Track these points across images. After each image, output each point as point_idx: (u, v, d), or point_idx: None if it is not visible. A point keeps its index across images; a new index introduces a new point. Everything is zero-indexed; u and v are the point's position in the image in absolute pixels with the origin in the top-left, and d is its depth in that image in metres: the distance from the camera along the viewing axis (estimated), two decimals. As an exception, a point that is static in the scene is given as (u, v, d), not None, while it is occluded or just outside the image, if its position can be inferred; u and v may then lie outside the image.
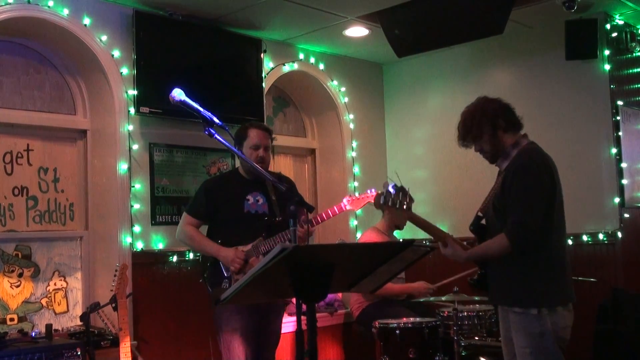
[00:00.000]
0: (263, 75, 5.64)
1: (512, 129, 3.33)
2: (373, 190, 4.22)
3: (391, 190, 3.16)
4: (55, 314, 4.79)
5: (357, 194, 4.27)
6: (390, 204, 3.17)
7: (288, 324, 5.58)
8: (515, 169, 3.21)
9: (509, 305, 3.23)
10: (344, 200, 4.21)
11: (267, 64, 5.76)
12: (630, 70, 5.79)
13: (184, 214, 4.22)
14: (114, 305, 4.24)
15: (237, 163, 5.44)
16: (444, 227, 6.19)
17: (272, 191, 4.16)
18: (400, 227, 5.45)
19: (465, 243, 3.38)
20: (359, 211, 6.24)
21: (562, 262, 3.24)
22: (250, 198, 4.13)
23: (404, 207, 3.20)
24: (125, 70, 4.87)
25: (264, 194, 4.16)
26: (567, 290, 3.22)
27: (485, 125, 3.31)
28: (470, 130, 3.35)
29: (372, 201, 4.14)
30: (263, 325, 4.12)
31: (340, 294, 6.05)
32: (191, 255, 5.06)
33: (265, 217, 4.10)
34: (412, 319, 4.76)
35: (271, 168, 6.11)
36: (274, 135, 4.32)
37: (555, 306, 3.15)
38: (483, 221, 3.38)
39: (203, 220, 4.18)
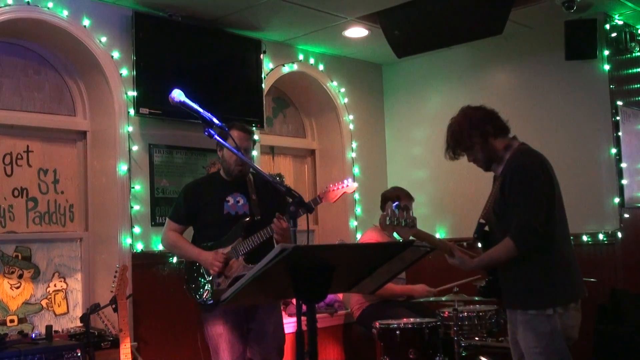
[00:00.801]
0: (263, 76, 5.64)
1: (502, 134, 3.34)
2: (349, 180, 4.11)
3: (395, 210, 3.19)
4: (55, 315, 4.78)
5: (331, 186, 4.09)
6: (396, 223, 3.19)
7: (288, 324, 5.58)
8: (512, 171, 3.21)
9: (525, 308, 3.21)
10: (318, 194, 4.07)
11: (267, 64, 5.76)
12: (630, 70, 5.79)
13: (167, 220, 4.17)
14: (114, 306, 4.24)
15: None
16: (443, 228, 6.25)
17: (253, 191, 4.09)
18: None
19: (464, 244, 3.38)
20: (358, 212, 6.31)
21: (569, 257, 3.24)
22: (230, 199, 4.05)
23: (410, 225, 3.23)
24: (124, 72, 4.88)
25: (244, 194, 4.07)
26: (578, 285, 3.23)
27: (475, 135, 3.31)
28: (461, 141, 3.35)
29: (348, 192, 4.13)
30: (252, 326, 4.01)
31: (340, 295, 6.05)
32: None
33: (245, 217, 4.02)
34: (412, 320, 4.75)
35: (270, 169, 6.14)
36: (255, 136, 4.30)
37: (569, 303, 3.15)
38: (486, 228, 3.38)
39: (184, 224, 4.13)
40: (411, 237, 3.21)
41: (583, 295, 3.23)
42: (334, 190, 4.05)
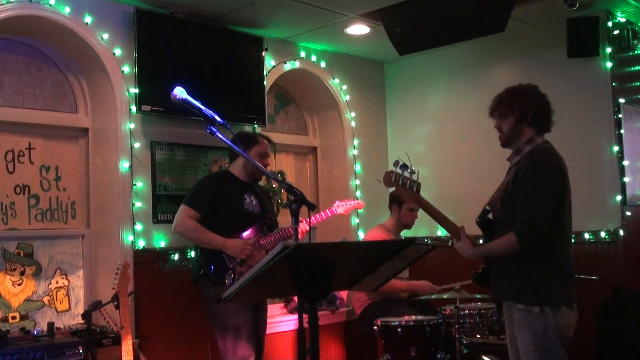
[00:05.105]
0: (264, 73, 5.64)
1: (536, 126, 3.33)
2: (358, 201, 4.83)
3: (400, 170, 3.15)
4: (57, 312, 4.79)
5: (346, 201, 4.70)
6: (400, 183, 3.16)
7: (289, 322, 5.60)
8: (528, 166, 3.21)
9: (513, 301, 3.23)
10: (335, 204, 4.59)
11: (269, 62, 5.76)
12: (632, 68, 5.78)
13: (184, 207, 4.28)
14: (115, 303, 4.25)
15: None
16: (445, 225, 6.23)
17: (261, 193, 4.44)
18: (408, 226, 5.44)
19: None
20: (360, 210, 6.30)
21: (568, 263, 3.24)
22: (247, 197, 4.32)
23: (414, 189, 3.19)
24: (126, 69, 4.87)
25: (255, 195, 4.37)
26: (570, 293, 3.22)
27: (516, 110, 3.31)
28: (501, 105, 3.37)
29: (359, 208, 4.73)
30: (257, 318, 4.30)
31: (342, 292, 6.05)
32: (192, 253, 5.05)
33: (262, 215, 4.32)
34: (413, 317, 4.76)
35: (271, 166, 6.15)
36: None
37: (559, 306, 3.15)
38: (490, 215, 3.38)
39: (203, 214, 4.25)
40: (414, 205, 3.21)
41: (574, 302, 3.22)
42: (347, 204, 4.63)
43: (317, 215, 4.45)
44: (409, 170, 3.17)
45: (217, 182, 4.40)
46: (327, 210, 4.53)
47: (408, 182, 3.17)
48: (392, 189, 5.49)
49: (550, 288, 3.16)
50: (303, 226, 4.16)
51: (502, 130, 3.38)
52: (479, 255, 3.33)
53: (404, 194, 3.21)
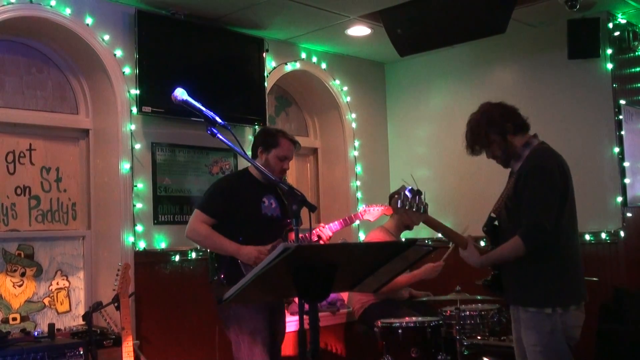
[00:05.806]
0: (265, 74, 5.64)
1: (521, 131, 3.33)
2: (385, 206, 4.63)
3: (408, 194, 3.18)
4: (58, 313, 4.79)
5: (373, 206, 4.63)
6: (407, 207, 3.18)
7: (290, 323, 5.59)
8: (529, 170, 3.21)
9: (524, 305, 3.23)
10: (361, 209, 4.54)
11: (270, 63, 5.76)
12: (633, 69, 5.78)
13: (197, 212, 4.07)
14: (116, 304, 4.25)
15: (241, 163, 5.44)
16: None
17: (283, 195, 4.20)
18: (410, 227, 5.42)
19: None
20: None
21: (575, 261, 3.25)
22: (266, 201, 4.10)
23: (421, 210, 3.22)
24: (127, 70, 4.88)
25: (276, 197, 4.15)
26: (580, 290, 3.24)
27: (494, 132, 3.31)
28: (479, 138, 3.35)
29: (387, 213, 4.50)
30: (272, 324, 4.09)
31: (343, 293, 6.05)
32: (193, 255, 5.07)
33: (282, 219, 4.13)
34: (414, 318, 4.75)
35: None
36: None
37: (569, 305, 3.16)
38: (496, 222, 3.38)
39: (217, 219, 4.04)
40: (422, 223, 3.24)
41: (584, 300, 3.24)
42: (374, 211, 4.53)
43: (342, 221, 4.28)
44: (415, 192, 3.21)
45: (233, 184, 4.16)
46: (353, 216, 4.38)
47: (415, 205, 3.20)
48: (391, 191, 5.58)
49: (560, 288, 3.16)
50: (326, 232, 4.16)
51: (497, 155, 3.37)
52: (487, 263, 3.33)
53: (412, 217, 3.24)
